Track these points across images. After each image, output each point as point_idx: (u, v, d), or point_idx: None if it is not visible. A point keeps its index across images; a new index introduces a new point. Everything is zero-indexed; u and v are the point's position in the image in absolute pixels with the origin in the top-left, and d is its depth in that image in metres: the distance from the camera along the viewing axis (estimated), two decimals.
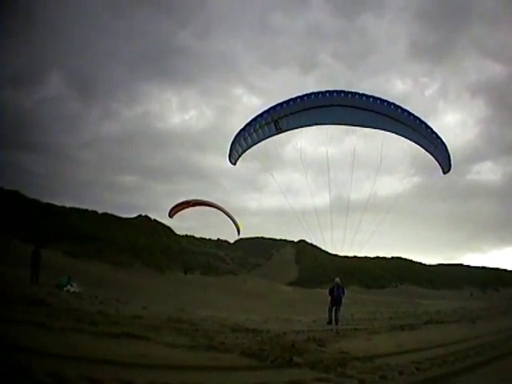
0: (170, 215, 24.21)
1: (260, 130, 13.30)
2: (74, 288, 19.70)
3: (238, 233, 22.01)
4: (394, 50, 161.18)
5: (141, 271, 47.40)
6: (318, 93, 12.12)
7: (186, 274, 40.35)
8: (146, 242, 57.10)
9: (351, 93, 11.91)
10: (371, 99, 11.76)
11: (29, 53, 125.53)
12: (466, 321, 19.46)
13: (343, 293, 17.16)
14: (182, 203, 23.52)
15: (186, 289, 41.81)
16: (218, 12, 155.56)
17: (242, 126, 13.56)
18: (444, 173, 13.78)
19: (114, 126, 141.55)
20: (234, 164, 14.72)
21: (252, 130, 13.41)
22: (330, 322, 16.46)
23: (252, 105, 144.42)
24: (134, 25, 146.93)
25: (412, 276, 79.36)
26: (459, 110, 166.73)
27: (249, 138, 13.62)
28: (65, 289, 19.24)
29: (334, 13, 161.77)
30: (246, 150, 14.04)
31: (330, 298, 17.20)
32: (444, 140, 12.73)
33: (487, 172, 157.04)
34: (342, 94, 11.90)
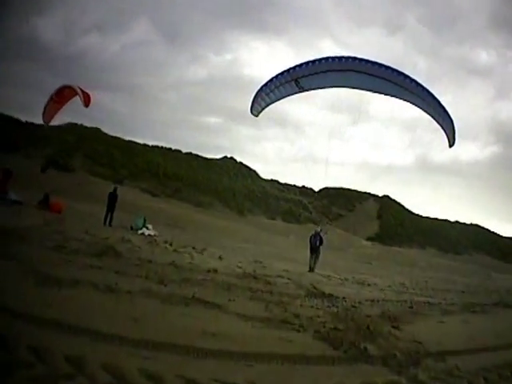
0: (46, 121, 21.81)
1: (282, 87, 14.28)
2: (149, 231, 19.43)
3: (87, 105, 19.64)
4: (478, 19, 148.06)
5: (221, 213, 47.76)
6: (335, 57, 12.95)
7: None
8: (229, 184, 57.28)
9: (364, 60, 12.57)
10: (383, 67, 12.39)
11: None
12: None
13: (321, 242, 18.47)
14: (48, 102, 21.19)
15: (266, 234, 41.85)
16: None
17: (264, 83, 14.56)
18: (450, 146, 13.85)
19: (200, 70, 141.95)
20: (256, 116, 15.79)
21: (273, 87, 14.37)
22: (310, 270, 17.96)
23: None
24: None
25: (487, 246, 74.18)
26: None
27: (271, 94, 14.65)
28: (139, 232, 18.98)
29: None
30: (269, 104, 15.09)
31: (309, 245, 18.77)
32: (450, 113, 12.96)
33: None
34: (356, 61, 12.65)
